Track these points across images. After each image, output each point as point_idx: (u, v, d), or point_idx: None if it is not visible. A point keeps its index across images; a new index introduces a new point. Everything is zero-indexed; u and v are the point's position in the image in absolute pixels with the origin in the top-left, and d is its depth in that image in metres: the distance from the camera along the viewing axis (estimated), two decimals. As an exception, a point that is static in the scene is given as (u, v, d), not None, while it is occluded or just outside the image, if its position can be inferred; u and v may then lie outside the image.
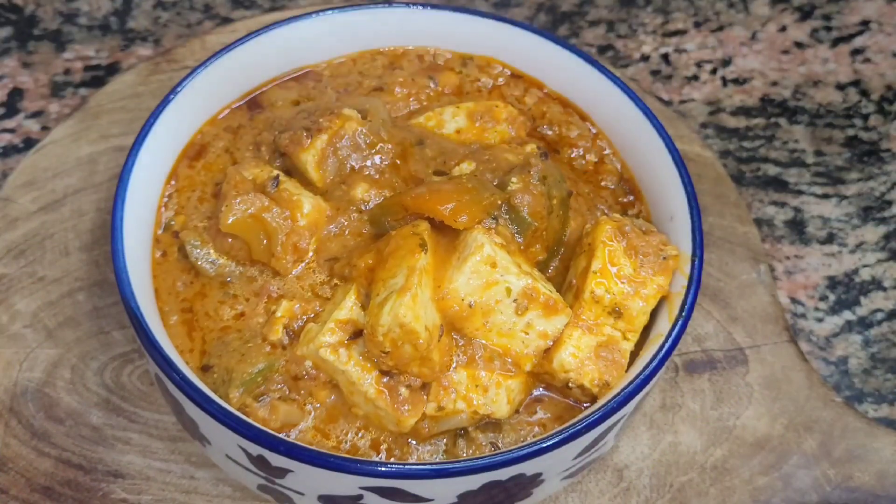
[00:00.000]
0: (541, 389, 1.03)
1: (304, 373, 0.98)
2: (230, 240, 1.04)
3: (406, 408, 0.95)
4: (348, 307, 0.97)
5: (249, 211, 1.03)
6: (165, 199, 1.12)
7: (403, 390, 0.95)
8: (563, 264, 1.08)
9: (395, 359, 0.93)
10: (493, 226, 1.00)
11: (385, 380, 0.95)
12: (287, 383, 0.99)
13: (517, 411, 1.02)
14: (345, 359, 0.95)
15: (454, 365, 0.98)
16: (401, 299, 0.91)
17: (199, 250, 1.06)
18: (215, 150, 1.16)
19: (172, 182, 1.13)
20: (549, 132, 1.21)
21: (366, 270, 0.99)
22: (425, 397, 0.97)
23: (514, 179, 1.03)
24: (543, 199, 1.03)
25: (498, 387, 0.98)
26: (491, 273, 0.97)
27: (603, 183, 1.17)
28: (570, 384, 0.99)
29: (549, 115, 1.22)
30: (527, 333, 0.99)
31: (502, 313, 0.98)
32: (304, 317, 1.01)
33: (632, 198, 1.16)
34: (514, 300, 0.97)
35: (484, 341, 0.99)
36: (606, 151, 1.20)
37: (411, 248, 0.96)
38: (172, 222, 1.10)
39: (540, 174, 1.04)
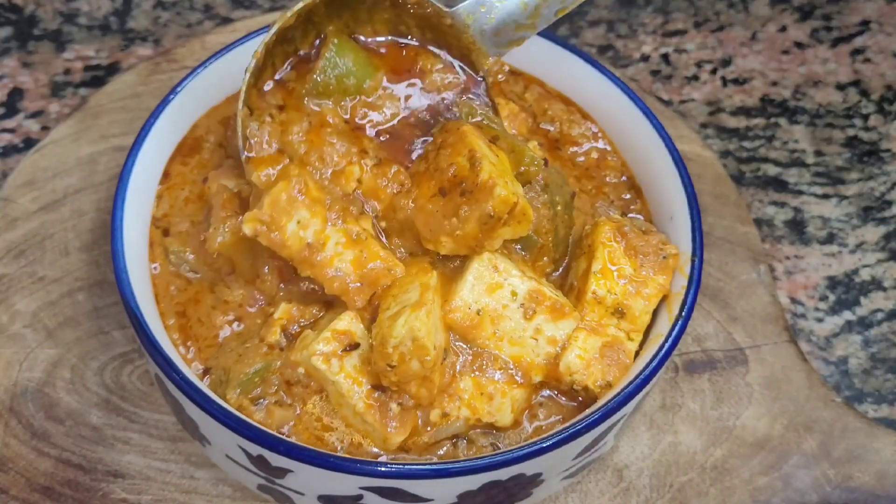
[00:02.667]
0: (543, 391, 1.03)
1: (297, 379, 0.97)
2: (215, 254, 1.03)
3: (394, 424, 0.94)
4: (348, 318, 0.96)
5: (238, 234, 1.00)
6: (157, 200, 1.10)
7: (394, 406, 0.94)
8: (565, 267, 1.08)
9: (400, 374, 0.92)
10: None
11: (376, 394, 0.94)
12: (281, 387, 0.98)
13: (518, 421, 1.01)
14: (336, 369, 0.94)
15: (460, 370, 0.98)
16: (416, 313, 0.90)
17: (181, 260, 1.05)
18: (209, 146, 1.15)
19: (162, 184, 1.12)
20: (552, 128, 1.20)
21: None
22: (419, 417, 0.96)
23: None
24: (548, 209, 1.03)
25: (503, 396, 0.98)
26: (493, 275, 0.97)
27: (606, 180, 1.17)
28: (574, 386, 0.99)
29: (550, 112, 1.21)
30: (536, 340, 0.98)
31: (510, 318, 0.97)
32: (303, 320, 1.00)
33: (629, 196, 1.16)
34: (521, 304, 0.97)
35: (496, 352, 0.98)
36: (607, 148, 1.19)
37: (423, 267, 0.97)
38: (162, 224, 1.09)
39: (543, 182, 1.03)
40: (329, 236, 0.96)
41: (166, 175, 1.12)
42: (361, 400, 0.94)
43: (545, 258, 1.04)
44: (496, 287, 0.97)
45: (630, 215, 1.15)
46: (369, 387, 0.94)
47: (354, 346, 0.95)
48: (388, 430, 0.93)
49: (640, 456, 1.14)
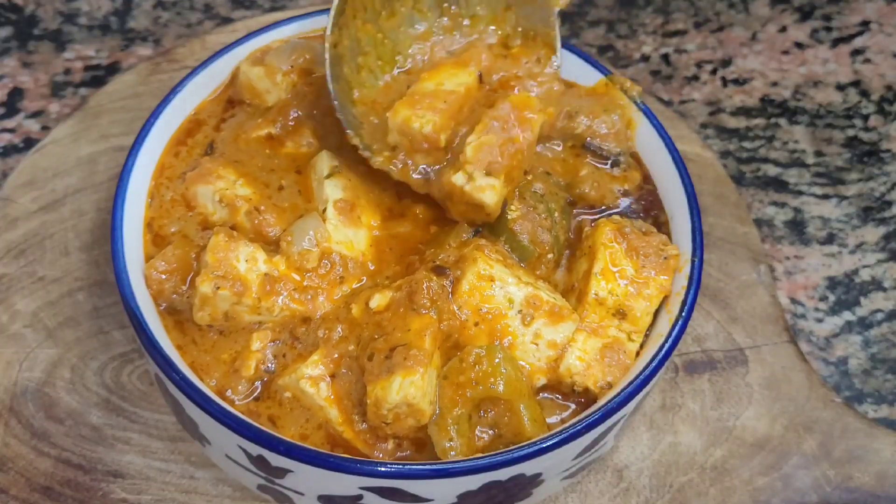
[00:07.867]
0: (543, 392, 1.02)
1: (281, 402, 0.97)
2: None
3: (381, 455, 0.94)
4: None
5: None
6: (149, 200, 1.08)
7: (389, 444, 0.94)
8: (566, 268, 1.07)
9: (395, 429, 0.92)
10: (480, 234, 1.00)
11: (364, 425, 0.94)
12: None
13: None
14: (325, 394, 0.94)
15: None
16: (411, 378, 0.89)
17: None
18: (205, 131, 1.14)
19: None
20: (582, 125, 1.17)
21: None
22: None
23: (512, 206, 1.02)
24: (545, 219, 1.02)
25: None
26: (489, 284, 0.96)
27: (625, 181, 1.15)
28: (575, 387, 0.99)
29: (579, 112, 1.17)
30: (536, 344, 0.98)
31: (509, 326, 0.97)
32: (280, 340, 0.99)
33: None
34: (519, 311, 0.97)
35: None
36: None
37: (423, 318, 0.95)
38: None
39: (540, 194, 1.03)
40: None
41: (159, 169, 1.10)
42: (349, 429, 0.94)
43: (543, 267, 1.04)
44: (492, 295, 0.96)
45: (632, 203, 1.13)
46: (363, 426, 0.94)
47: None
48: (377, 455, 0.94)
49: (640, 456, 1.14)
